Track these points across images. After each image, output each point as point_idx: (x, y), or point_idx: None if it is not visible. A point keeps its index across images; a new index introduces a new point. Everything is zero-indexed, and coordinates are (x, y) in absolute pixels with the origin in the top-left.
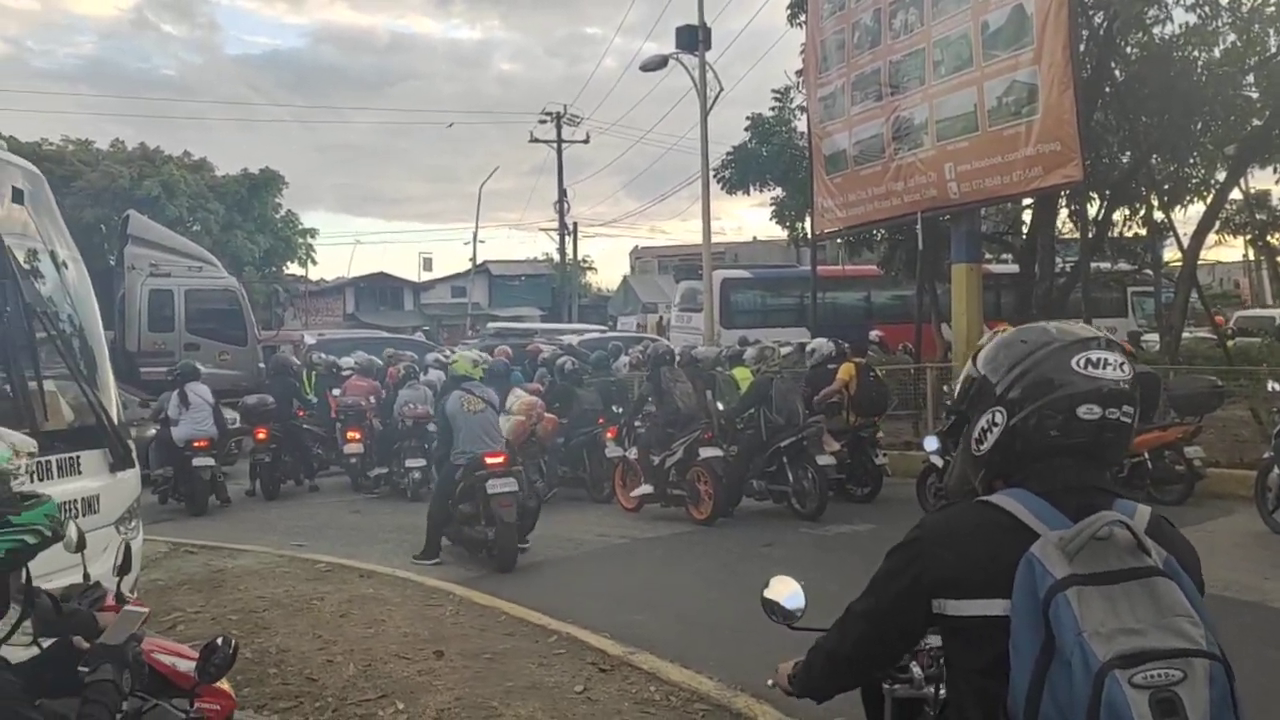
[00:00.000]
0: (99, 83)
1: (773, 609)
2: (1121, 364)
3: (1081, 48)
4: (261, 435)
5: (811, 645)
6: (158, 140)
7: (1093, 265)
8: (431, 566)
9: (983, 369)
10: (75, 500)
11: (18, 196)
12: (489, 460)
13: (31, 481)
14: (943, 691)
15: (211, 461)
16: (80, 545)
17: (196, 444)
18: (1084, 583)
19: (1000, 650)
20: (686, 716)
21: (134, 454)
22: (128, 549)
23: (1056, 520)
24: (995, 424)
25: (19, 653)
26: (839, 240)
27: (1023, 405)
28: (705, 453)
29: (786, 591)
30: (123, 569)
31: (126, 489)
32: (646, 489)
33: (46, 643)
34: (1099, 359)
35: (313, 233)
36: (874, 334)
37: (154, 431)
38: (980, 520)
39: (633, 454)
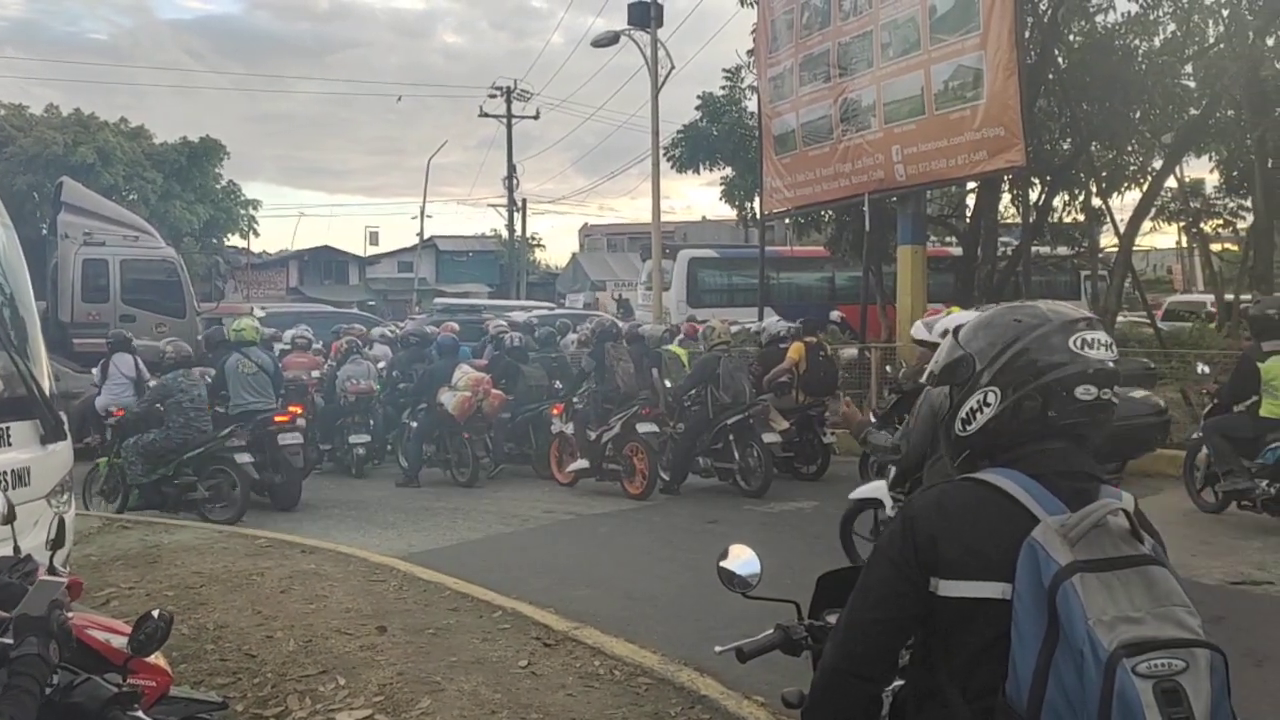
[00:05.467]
0: (26, 46)
1: (729, 578)
2: (1109, 344)
3: (1026, 34)
4: None
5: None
6: (92, 107)
7: (1034, 249)
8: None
9: (968, 348)
10: (5, 472)
11: None
12: (278, 419)
13: None
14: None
15: None
16: (10, 517)
17: (116, 412)
18: (1085, 569)
19: (993, 635)
20: (630, 690)
21: (66, 427)
22: (61, 523)
23: (1052, 504)
24: (987, 404)
25: None
26: (787, 221)
27: (1020, 385)
28: (642, 428)
29: (742, 559)
30: (56, 543)
31: (58, 462)
32: (582, 464)
33: None
34: (1092, 339)
35: (255, 204)
36: (835, 314)
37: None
38: (973, 499)
39: (570, 429)
